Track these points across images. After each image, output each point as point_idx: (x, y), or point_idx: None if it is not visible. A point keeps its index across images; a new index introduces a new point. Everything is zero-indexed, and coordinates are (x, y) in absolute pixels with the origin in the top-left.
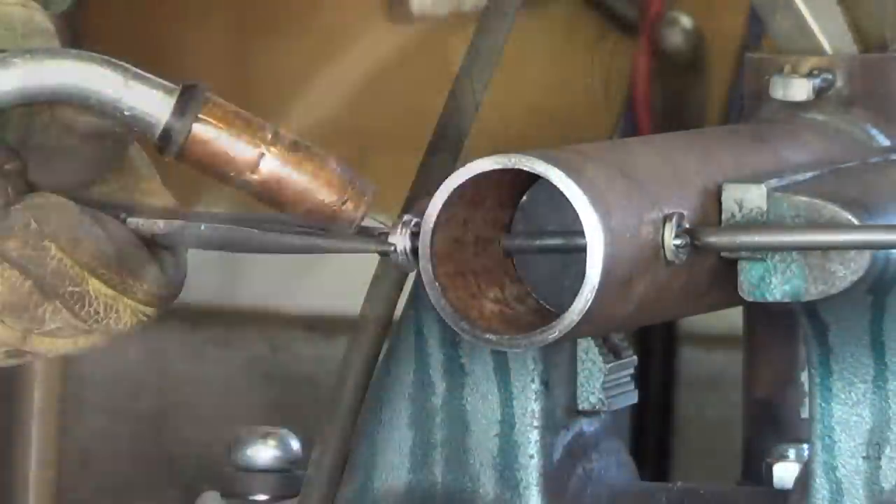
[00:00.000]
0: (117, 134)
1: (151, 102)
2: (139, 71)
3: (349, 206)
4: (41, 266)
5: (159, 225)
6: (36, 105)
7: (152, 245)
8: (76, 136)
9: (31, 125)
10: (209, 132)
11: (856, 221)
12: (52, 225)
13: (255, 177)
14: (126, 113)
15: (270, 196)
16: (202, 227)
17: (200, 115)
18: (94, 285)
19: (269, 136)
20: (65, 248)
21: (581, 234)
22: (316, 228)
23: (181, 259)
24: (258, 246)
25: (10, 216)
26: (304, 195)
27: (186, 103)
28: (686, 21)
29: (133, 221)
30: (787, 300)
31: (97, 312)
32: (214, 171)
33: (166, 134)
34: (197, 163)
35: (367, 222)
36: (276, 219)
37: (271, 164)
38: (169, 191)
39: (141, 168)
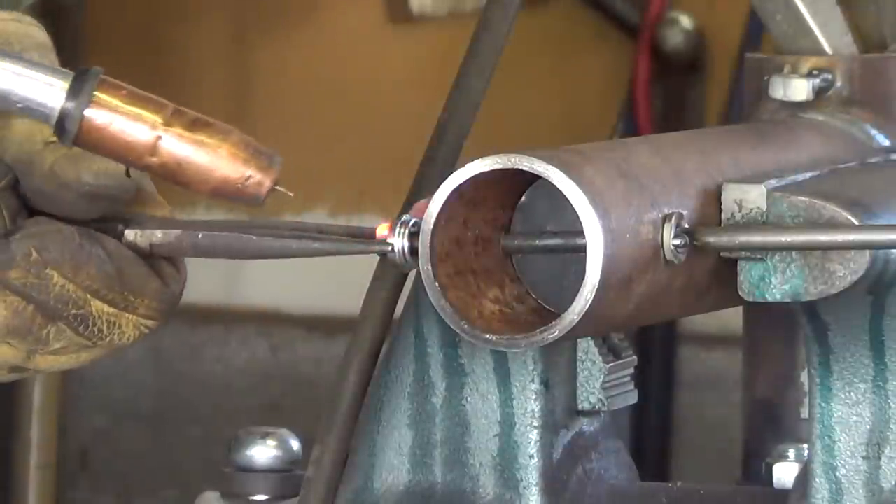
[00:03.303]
0: (113, 196)
1: (44, 91)
2: (33, 60)
3: (254, 181)
4: (44, 293)
5: (157, 235)
6: (35, 159)
7: (151, 256)
8: (73, 193)
9: (29, 174)
10: (103, 116)
11: (855, 221)
12: (52, 252)
13: (155, 159)
14: (19, 105)
15: (173, 177)
16: (199, 236)
17: (93, 100)
18: (97, 306)
19: (168, 116)
20: (66, 273)
21: (581, 234)
22: (313, 231)
23: (180, 267)
24: (256, 252)
25: (11, 247)
26: (207, 174)
27: (79, 88)
28: (686, 21)
29: (130, 233)
30: (786, 300)
31: (101, 331)
32: (114, 156)
33: (61, 121)
34: (95, 149)
35: (368, 222)
36: (272, 224)
37: (169, 145)
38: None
39: (139, 178)
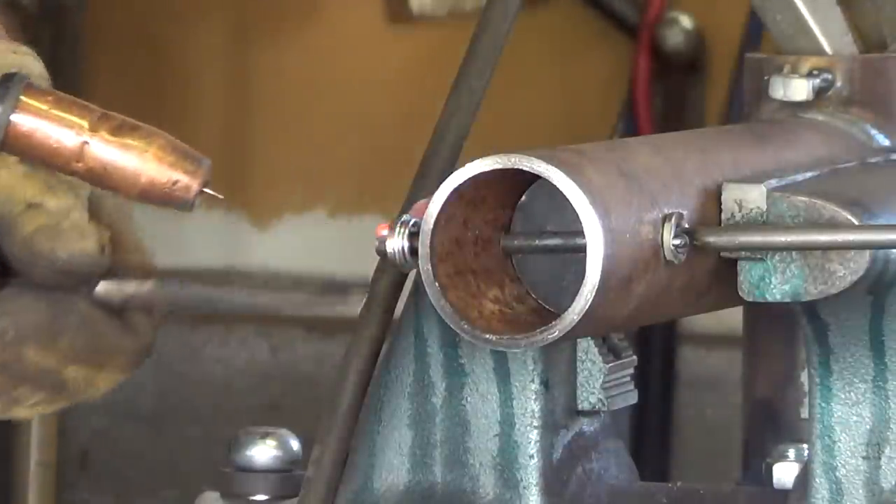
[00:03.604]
0: (86, 274)
1: None
2: None
3: (181, 184)
4: (19, 367)
5: (131, 287)
6: (16, 223)
7: (124, 310)
8: (47, 267)
9: (7, 235)
10: (30, 122)
11: (855, 221)
12: (27, 329)
13: (81, 165)
14: None
15: (100, 182)
16: (173, 289)
17: (20, 105)
18: (72, 371)
19: (95, 120)
20: (42, 347)
21: (581, 234)
22: (287, 286)
23: (154, 314)
24: (228, 307)
25: None
26: (134, 178)
27: (4, 93)
28: (686, 21)
29: (104, 285)
30: (786, 300)
31: (76, 390)
32: (41, 161)
33: None
34: (22, 155)
35: (368, 222)
36: (247, 276)
37: (96, 150)
38: None
39: (119, 223)
